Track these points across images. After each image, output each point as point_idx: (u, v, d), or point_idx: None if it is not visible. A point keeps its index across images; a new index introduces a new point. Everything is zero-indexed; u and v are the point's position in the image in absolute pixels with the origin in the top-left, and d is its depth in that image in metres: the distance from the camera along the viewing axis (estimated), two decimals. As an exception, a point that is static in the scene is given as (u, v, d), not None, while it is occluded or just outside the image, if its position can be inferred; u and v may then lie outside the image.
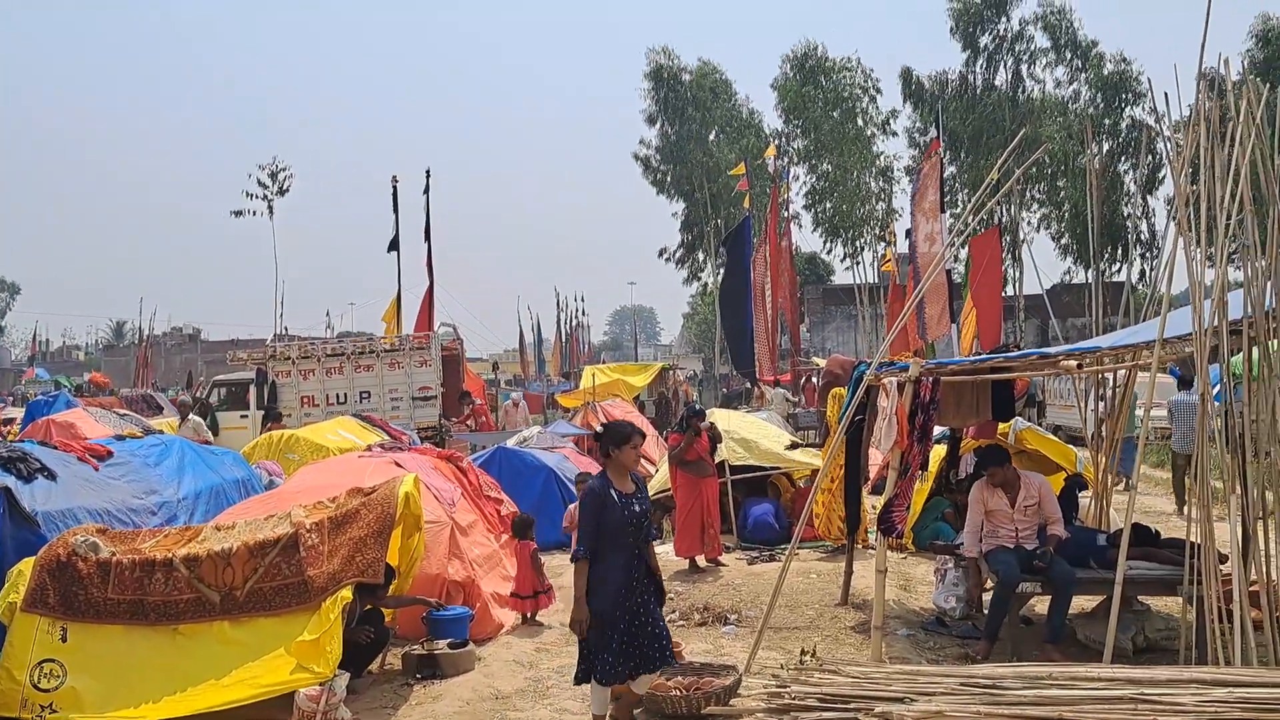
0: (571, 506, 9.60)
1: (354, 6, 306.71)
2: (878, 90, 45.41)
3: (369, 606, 7.36)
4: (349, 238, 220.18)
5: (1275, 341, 6.90)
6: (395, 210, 25.18)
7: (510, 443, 14.33)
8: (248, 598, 6.70)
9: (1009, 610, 7.69)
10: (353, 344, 21.02)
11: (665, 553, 12.32)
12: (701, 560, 11.49)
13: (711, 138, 47.19)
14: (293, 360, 20.23)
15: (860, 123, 44.99)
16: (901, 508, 7.53)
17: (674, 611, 9.44)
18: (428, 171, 25.15)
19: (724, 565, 11.52)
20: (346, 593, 6.67)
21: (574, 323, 58.09)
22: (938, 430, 10.07)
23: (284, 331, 43.72)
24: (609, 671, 5.94)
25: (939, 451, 11.23)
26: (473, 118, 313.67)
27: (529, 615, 9.14)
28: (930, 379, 7.56)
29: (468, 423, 19.49)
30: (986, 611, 8.04)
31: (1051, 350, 8.21)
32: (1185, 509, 14.13)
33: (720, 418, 13.41)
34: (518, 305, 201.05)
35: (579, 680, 6.17)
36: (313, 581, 6.68)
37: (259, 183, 45.30)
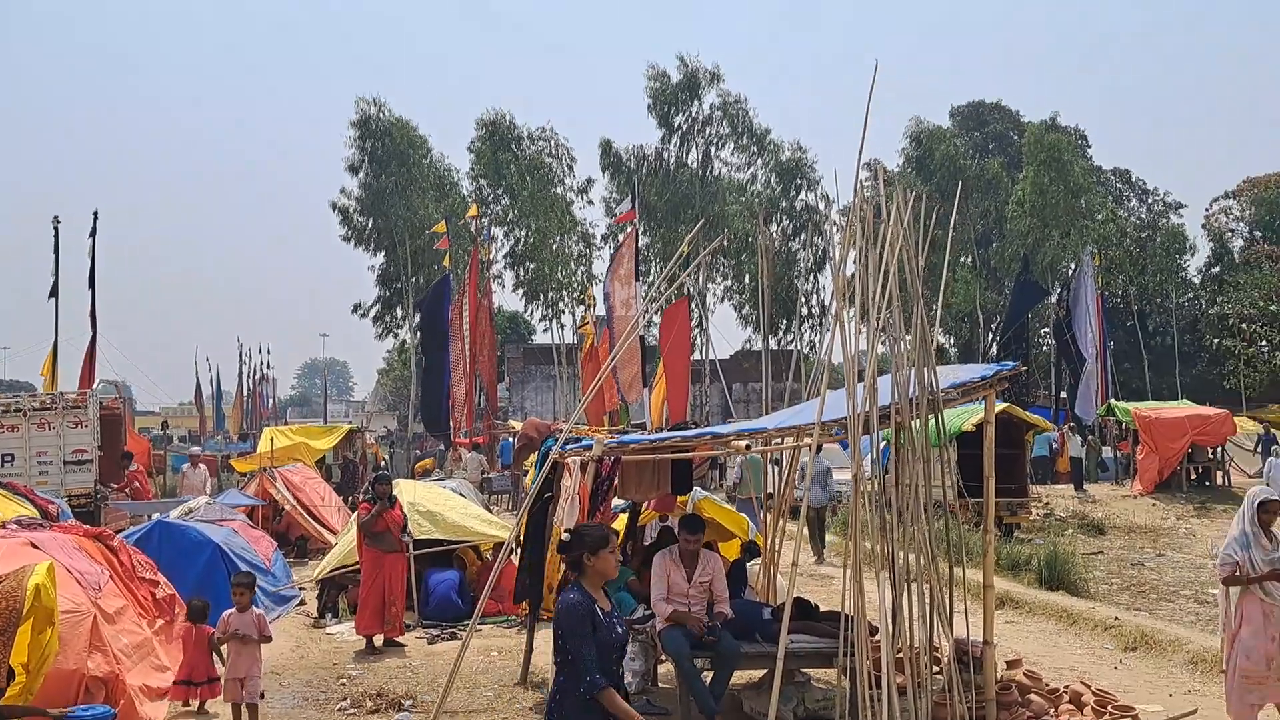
0: (227, 613, 8.32)
1: (16, 28, 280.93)
2: (572, 159, 46.77)
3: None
4: (4, 280, 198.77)
5: (918, 422, 7.54)
6: (56, 254, 23.01)
7: (174, 514, 13.25)
8: None
9: (692, 683, 7.81)
10: (-7, 401, 18.78)
11: (343, 632, 11.82)
12: (379, 640, 11.04)
13: (410, 193, 46.49)
14: (-78, 418, 17.80)
15: (559, 190, 46.10)
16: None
17: (345, 699, 8.99)
18: (95, 214, 23.24)
19: (403, 645, 11.12)
20: (-45, 702, 5.84)
21: (258, 376, 55.16)
22: (620, 502, 10.28)
23: (-85, 381, 38.68)
24: None
25: (620, 521, 11.44)
26: (147, 155, 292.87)
27: (198, 704, 8.42)
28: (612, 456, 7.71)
29: (126, 490, 17.88)
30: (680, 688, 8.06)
31: (723, 430, 8.59)
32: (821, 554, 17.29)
33: (406, 489, 13.03)
34: (196, 356, 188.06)
35: None
36: (-87, 691, 5.81)
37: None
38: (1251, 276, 37.21)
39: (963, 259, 49.30)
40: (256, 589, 9.78)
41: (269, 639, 8.38)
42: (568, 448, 8.01)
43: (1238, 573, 7.37)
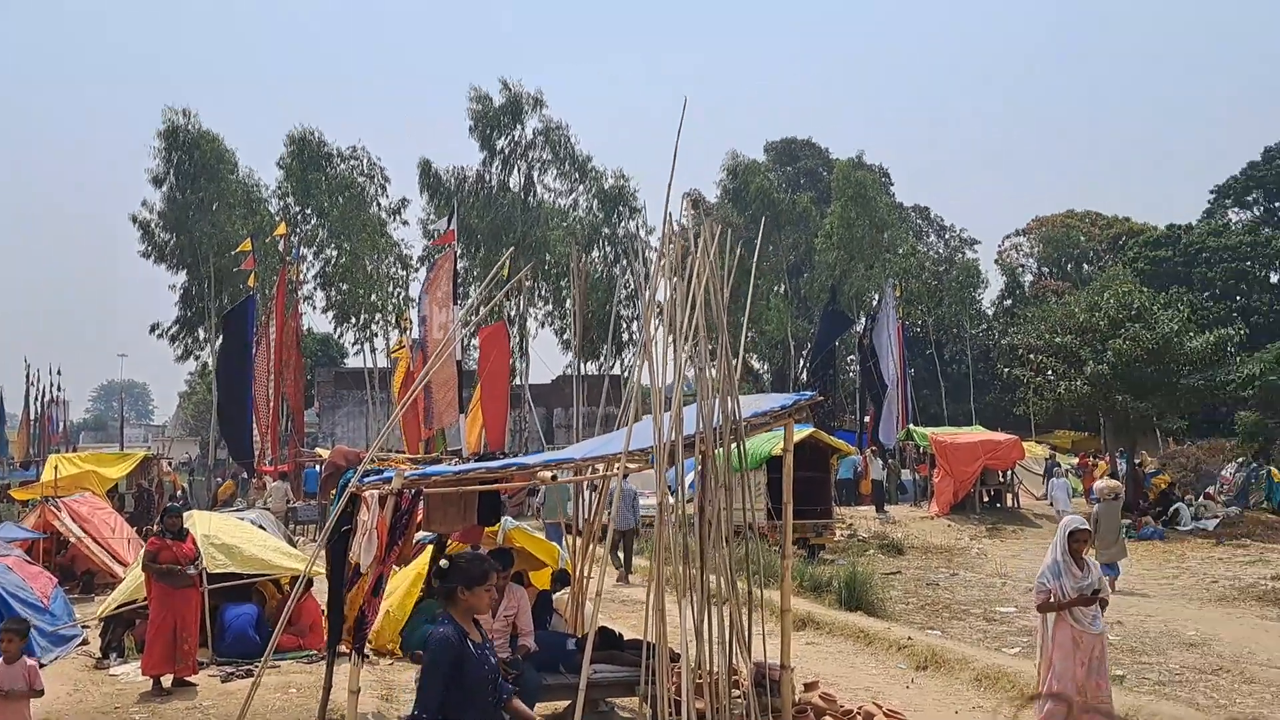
0: (29, 661, 7.55)
1: None
2: (386, 179, 45.91)
3: None
4: None
5: (721, 451, 7.70)
6: None
7: (-61, 551, 12.22)
8: None
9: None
10: None
11: (129, 673, 11.15)
12: (168, 680, 10.46)
13: (216, 209, 44.43)
14: None
15: (374, 209, 45.17)
16: (371, 626, 7.37)
17: (125, 747, 8.46)
18: None
19: (194, 685, 10.56)
20: None
21: (48, 398, 51.52)
22: (421, 535, 10.07)
23: None
24: None
25: (425, 555, 11.24)
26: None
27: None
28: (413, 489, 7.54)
29: None
30: None
31: (530, 460, 8.55)
32: (627, 576, 17.71)
33: (200, 521, 12.43)
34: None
35: None
36: None
37: None
38: (1039, 309, 39.85)
39: (776, 288, 50.96)
40: (31, 632, 9.07)
41: (40, 693, 7.60)
42: (366, 480, 7.79)
43: (1051, 599, 7.76)
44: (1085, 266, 60.89)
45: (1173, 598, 16.71)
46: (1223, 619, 14.68)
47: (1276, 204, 56.38)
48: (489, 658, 4.83)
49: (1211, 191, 58.45)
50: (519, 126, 46.11)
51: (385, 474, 7.89)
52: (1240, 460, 31.48)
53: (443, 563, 4.97)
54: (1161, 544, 23.62)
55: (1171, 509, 26.59)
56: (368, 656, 10.61)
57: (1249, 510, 27.82)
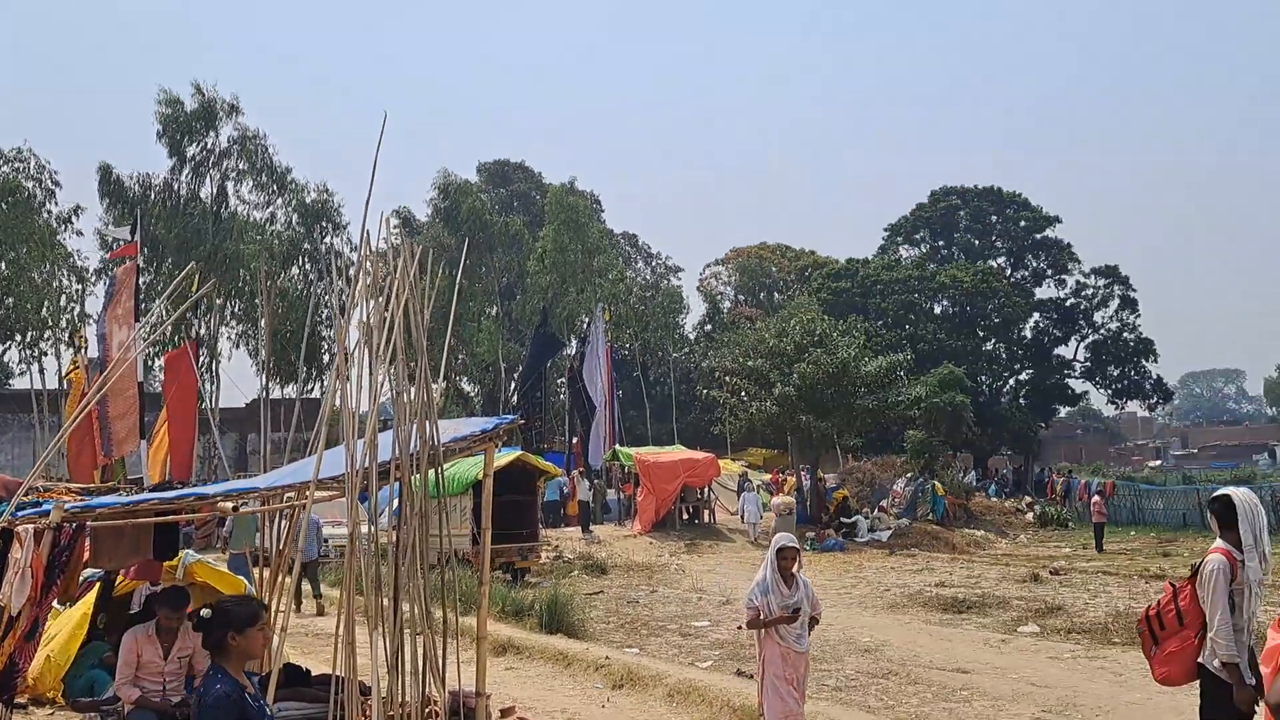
0: None
1: None
2: (56, 184, 42.07)
3: None
4: None
5: (418, 478, 7.55)
6: None
7: None
8: None
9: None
10: None
11: None
12: None
13: None
14: None
15: (43, 216, 41.20)
16: (24, 674, 6.68)
17: None
18: None
19: None
20: None
21: None
22: (89, 572, 9.28)
23: None
24: None
25: (92, 593, 10.37)
26: None
27: None
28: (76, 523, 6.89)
29: None
30: None
31: (210, 490, 8.07)
32: (323, 608, 16.60)
33: None
34: None
35: None
36: None
37: None
38: (735, 334, 41.99)
39: (488, 310, 50.92)
40: None
41: None
42: (20, 514, 7.05)
43: (760, 616, 7.94)
44: (776, 295, 64.90)
45: (850, 606, 17.96)
46: (893, 625, 15.94)
47: (940, 242, 62.33)
48: (265, 710, 4.61)
49: (885, 229, 63.84)
50: (212, 133, 43.69)
51: (43, 506, 7.18)
52: (909, 475, 34.49)
53: (204, 612, 4.64)
54: (842, 555, 25.40)
55: (850, 521, 28.72)
56: (23, 707, 9.62)
57: (916, 521, 30.53)
